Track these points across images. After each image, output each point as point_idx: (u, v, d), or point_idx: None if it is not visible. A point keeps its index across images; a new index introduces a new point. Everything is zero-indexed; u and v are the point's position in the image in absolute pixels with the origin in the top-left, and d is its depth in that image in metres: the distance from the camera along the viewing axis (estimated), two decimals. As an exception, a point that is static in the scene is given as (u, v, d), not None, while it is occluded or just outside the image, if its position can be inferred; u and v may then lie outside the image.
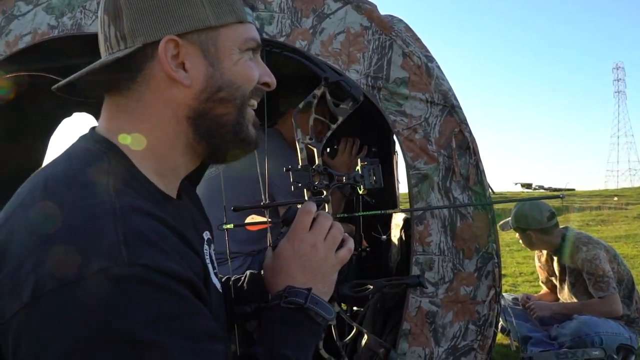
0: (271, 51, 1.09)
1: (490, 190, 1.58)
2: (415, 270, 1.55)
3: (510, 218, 2.82)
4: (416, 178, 1.59)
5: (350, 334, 0.99)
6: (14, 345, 0.52)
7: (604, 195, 20.10)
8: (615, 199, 18.14)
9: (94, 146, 0.66)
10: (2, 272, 0.54)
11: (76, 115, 2.39)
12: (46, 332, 0.51)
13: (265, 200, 1.19)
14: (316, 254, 0.74)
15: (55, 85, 0.70)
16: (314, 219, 0.76)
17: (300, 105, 0.95)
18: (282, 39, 1.64)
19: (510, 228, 2.82)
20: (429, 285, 1.56)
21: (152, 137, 0.67)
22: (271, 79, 0.74)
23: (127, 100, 0.68)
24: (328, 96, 0.97)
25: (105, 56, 0.68)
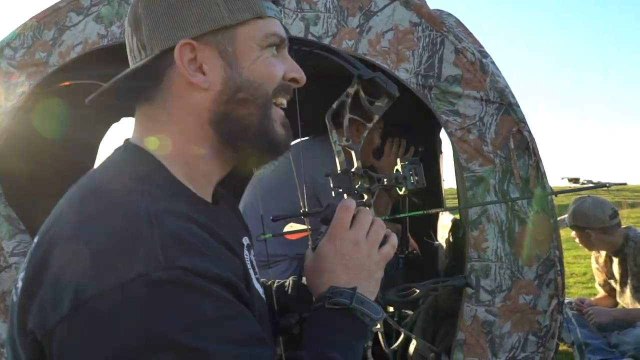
0: (300, 49, 1.06)
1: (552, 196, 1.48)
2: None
3: (566, 215, 2.66)
4: (471, 181, 1.51)
5: (398, 340, 0.96)
6: (58, 355, 0.52)
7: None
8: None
9: (128, 156, 0.66)
10: (44, 282, 0.54)
11: (124, 120, 2.45)
12: (88, 341, 0.50)
13: (305, 207, 1.16)
14: (359, 251, 0.71)
15: (88, 99, 0.70)
16: (354, 216, 0.73)
17: (334, 106, 0.91)
18: (328, 40, 1.60)
19: (567, 226, 2.66)
20: (485, 293, 1.49)
21: (180, 143, 0.67)
22: (299, 74, 0.71)
23: (154, 109, 0.67)
24: (362, 94, 0.93)
25: (131, 67, 0.68)
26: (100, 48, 1.65)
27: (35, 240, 0.61)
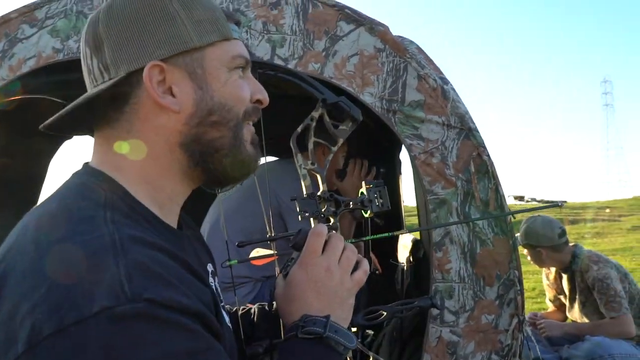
0: (264, 73, 1.06)
1: (510, 217, 1.54)
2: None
3: (519, 234, 2.78)
4: (434, 203, 1.55)
5: None
6: None
7: (596, 207, 20.25)
8: (607, 210, 18.28)
9: (88, 180, 0.63)
10: None
11: (77, 138, 2.33)
12: None
13: (271, 231, 1.14)
14: (331, 278, 0.70)
15: (42, 125, 0.67)
16: (326, 242, 0.73)
17: (299, 129, 0.91)
18: (294, 62, 1.61)
19: (519, 244, 2.78)
20: (449, 314, 1.51)
21: (147, 166, 0.65)
22: (263, 96, 0.71)
23: (117, 133, 0.65)
24: (326, 118, 0.94)
25: (90, 89, 0.65)
26: (55, 62, 1.57)
27: None
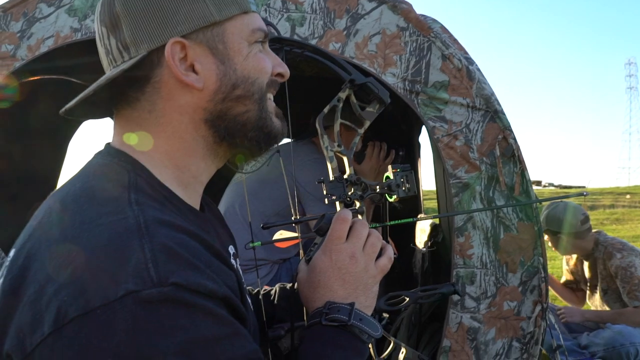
0: (291, 51, 1.03)
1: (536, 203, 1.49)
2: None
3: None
4: (457, 187, 1.51)
5: (385, 347, 0.94)
6: None
7: (616, 193, 19.84)
8: (628, 196, 17.89)
9: (111, 161, 0.62)
10: (22, 301, 0.49)
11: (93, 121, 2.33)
12: None
13: (296, 214, 1.12)
14: (356, 264, 0.68)
15: (62, 110, 0.65)
16: (350, 227, 0.70)
17: (325, 110, 0.88)
18: (314, 41, 1.57)
19: (543, 236, 2.73)
20: (470, 300, 1.49)
21: (170, 146, 0.63)
22: (284, 69, 0.70)
23: (138, 113, 0.64)
24: (353, 99, 0.91)
25: (109, 70, 0.63)
26: (73, 42, 1.56)
27: (11, 254, 0.55)
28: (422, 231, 2.68)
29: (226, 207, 1.89)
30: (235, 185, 1.93)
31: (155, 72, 0.62)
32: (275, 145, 0.70)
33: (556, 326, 2.10)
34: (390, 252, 0.73)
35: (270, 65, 0.67)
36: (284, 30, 1.57)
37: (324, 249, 0.69)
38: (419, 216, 1.38)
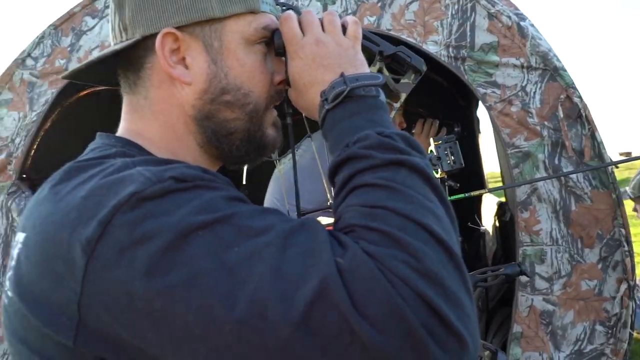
0: None
1: (611, 167, 1.31)
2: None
3: (628, 187, 2.42)
4: (516, 157, 1.37)
5: None
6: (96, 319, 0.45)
7: None
8: None
9: (114, 141, 0.61)
10: (38, 265, 0.48)
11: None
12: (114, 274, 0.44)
13: (332, 200, 1.06)
14: (325, 46, 0.61)
15: (63, 74, 0.66)
16: (299, 23, 0.63)
17: None
18: (348, 18, 1.50)
19: (629, 198, 2.42)
20: (541, 281, 1.34)
21: (164, 134, 0.62)
22: (284, 77, 0.63)
23: (137, 98, 0.62)
24: (386, 72, 0.83)
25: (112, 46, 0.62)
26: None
27: (20, 235, 0.55)
28: (488, 211, 2.51)
29: (270, 202, 1.87)
30: (275, 179, 1.91)
31: (149, 59, 0.60)
32: (265, 157, 0.67)
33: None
34: (352, 17, 0.67)
35: (269, 76, 0.63)
36: (316, 10, 1.52)
37: (290, 57, 0.63)
38: (471, 193, 1.26)
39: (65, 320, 0.46)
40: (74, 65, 1.68)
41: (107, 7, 1.66)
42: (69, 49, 1.69)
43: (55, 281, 0.47)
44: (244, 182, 2.81)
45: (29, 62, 1.71)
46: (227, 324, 0.41)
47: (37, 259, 0.49)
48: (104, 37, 1.65)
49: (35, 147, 1.74)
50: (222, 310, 0.41)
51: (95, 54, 1.66)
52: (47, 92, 1.69)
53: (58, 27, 1.70)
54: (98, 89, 1.80)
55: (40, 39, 1.71)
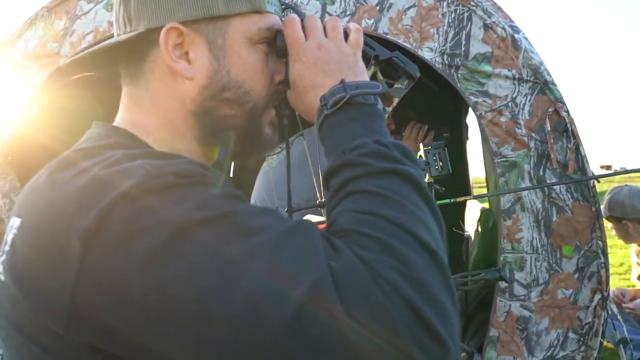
0: None
1: (593, 182, 1.35)
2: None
3: (602, 206, 2.50)
4: (503, 166, 1.40)
5: None
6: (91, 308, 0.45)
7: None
8: None
9: (110, 132, 0.60)
10: (33, 251, 0.48)
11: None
12: (108, 265, 0.44)
13: (322, 197, 1.08)
14: (327, 51, 0.63)
15: (62, 62, 0.65)
16: (303, 27, 0.64)
17: None
18: (345, 19, 1.51)
19: (602, 217, 2.50)
20: (520, 287, 1.38)
21: (163, 129, 0.62)
22: (284, 77, 0.64)
23: (137, 90, 0.63)
24: (380, 76, 0.84)
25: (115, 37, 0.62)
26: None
27: (15, 220, 0.54)
28: (473, 217, 2.56)
29: (255, 198, 1.88)
30: (263, 174, 1.92)
31: (152, 51, 0.61)
32: (261, 154, 0.67)
33: (619, 317, 1.92)
34: (355, 25, 0.68)
35: (269, 77, 0.64)
36: (315, 10, 1.53)
37: (292, 61, 0.64)
38: (457, 199, 1.29)
39: (57, 307, 0.46)
40: (66, 50, 1.66)
41: (103, -8, 1.64)
42: (62, 32, 1.66)
43: (51, 269, 0.47)
44: (231, 175, 2.82)
45: (20, 44, 1.68)
46: (220, 319, 0.42)
47: (34, 245, 0.50)
48: (98, 22, 1.63)
49: (22, 130, 1.71)
50: (216, 306, 0.42)
51: (89, 39, 1.64)
52: (37, 76, 1.66)
53: (51, 10, 1.67)
54: (88, 74, 1.77)
55: (33, 20, 1.68)
